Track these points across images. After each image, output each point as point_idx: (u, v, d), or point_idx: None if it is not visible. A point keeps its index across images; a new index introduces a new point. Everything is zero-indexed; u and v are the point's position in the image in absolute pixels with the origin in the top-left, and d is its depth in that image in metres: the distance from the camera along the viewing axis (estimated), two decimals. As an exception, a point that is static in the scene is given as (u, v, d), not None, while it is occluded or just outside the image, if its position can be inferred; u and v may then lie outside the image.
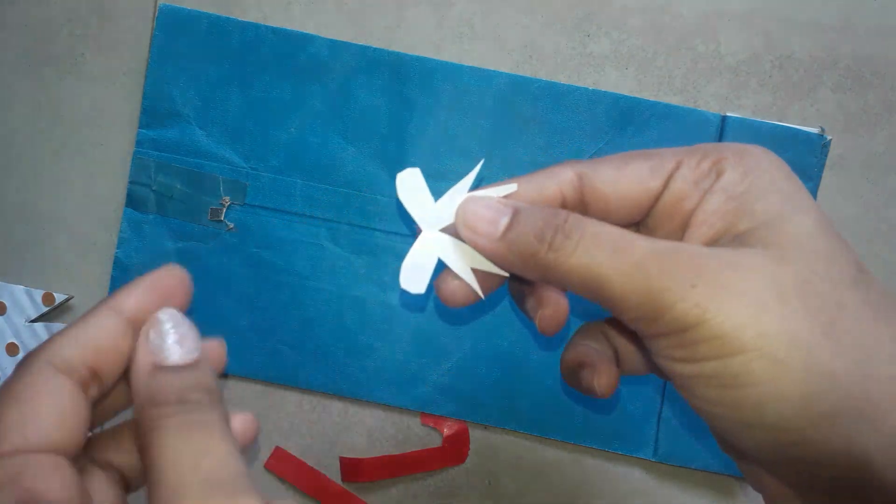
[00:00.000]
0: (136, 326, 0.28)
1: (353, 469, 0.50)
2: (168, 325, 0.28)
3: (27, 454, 0.24)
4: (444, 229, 0.34)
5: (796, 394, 0.26)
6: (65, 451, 0.25)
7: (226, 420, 0.26)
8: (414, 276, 0.34)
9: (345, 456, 0.51)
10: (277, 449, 0.51)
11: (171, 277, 0.30)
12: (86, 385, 0.26)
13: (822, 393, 0.26)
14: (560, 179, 0.33)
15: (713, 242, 0.30)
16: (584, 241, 0.29)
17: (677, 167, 0.31)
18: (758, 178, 0.29)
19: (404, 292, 0.38)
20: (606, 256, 0.28)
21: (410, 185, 0.34)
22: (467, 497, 0.51)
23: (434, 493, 0.51)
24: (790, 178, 0.29)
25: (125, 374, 0.28)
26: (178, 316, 0.28)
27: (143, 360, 0.27)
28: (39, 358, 0.26)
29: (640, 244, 0.28)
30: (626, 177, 0.32)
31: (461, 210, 0.32)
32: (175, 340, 0.27)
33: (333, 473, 0.51)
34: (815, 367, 0.26)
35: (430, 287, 0.35)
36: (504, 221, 0.31)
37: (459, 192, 0.34)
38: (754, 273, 0.27)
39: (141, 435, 0.25)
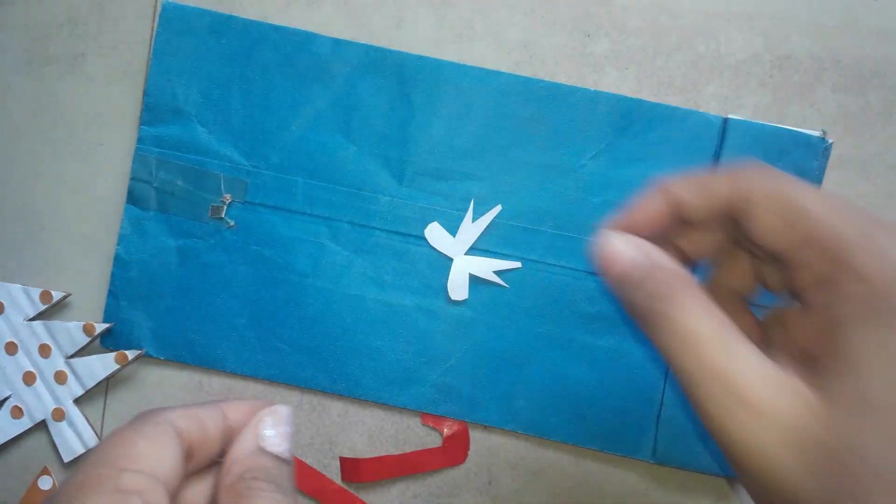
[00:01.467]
0: (230, 434, 0.31)
1: (352, 469, 0.50)
2: (284, 419, 0.31)
3: (152, 478, 0.27)
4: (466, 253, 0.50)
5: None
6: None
7: None
8: (457, 288, 0.50)
9: (345, 456, 0.50)
10: None
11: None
12: (186, 456, 0.29)
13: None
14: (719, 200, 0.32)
15: (797, 350, 0.29)
16: (684, 312, 0.28)
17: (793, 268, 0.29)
18: (840, 317, 0.26)
19: (456, 301, 0.50)
20: (706, 330, 0.28)
21: (435, 234, 0.50)
22: (467, 497, 0.50)
23: (434, 493, 0.50)
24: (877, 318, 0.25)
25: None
26: (292, 418, 0.32)
27: (252, 437, 0.30)
28: (165, 417, 0.29)
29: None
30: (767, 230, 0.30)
31: (607, 254, 0.32)
32: (283, 435, 0.31)
33: (333, 473, 0.51)
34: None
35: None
36: (632, 274, 0.31)
37: (466, 228, 0.49)
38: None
39: (234, 496, 0.28)
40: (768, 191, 0.29)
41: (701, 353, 0.27)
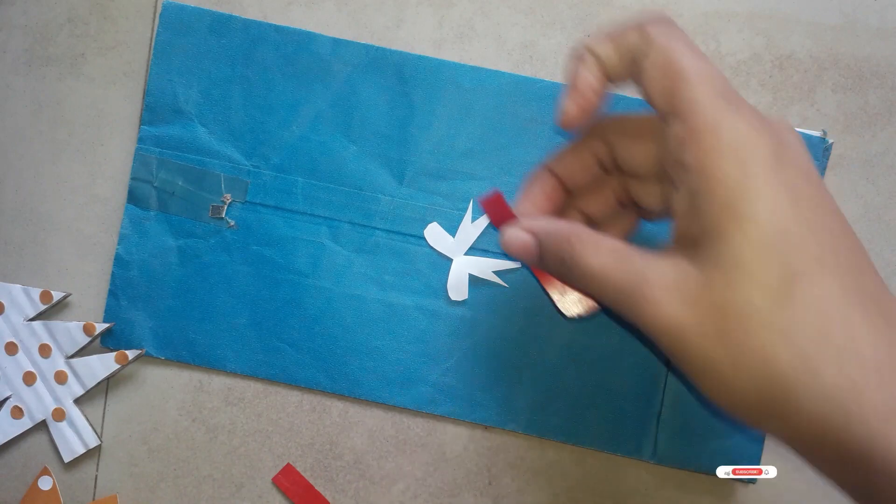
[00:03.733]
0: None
1: None
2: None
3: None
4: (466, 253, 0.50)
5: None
6: None
7: None
8: (457, 289, 0.50)
9: (345, 456, 0.50)
10: (288, 466, 0.51)
11: None
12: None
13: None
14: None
15: (681, 239, 0.33)
16: (584, 256, 0.35)
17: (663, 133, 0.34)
18: (709, 167, 0.31)
19: (455, 302, 0.50)
20: (606, 260, 0.34)
21: (435, 234, 0.50)
22: (467, 497, 0.50)
23: (434, 493, 0.50)
24: (744, 164, 0.30)
25: None
26: None
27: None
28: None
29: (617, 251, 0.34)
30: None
31: (506, 246, 0.39)
32: None
33: (334, 474, 0.51)
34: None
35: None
36: (535, 251, 0.38)
37: (465, 228, 0.49)
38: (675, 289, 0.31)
39: None
40: (660, 48, 0.33)
41: (606, 279, 0.34)
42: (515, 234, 0.39)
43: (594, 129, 0.39)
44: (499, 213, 0.43)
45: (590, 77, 0.36)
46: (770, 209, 0.29)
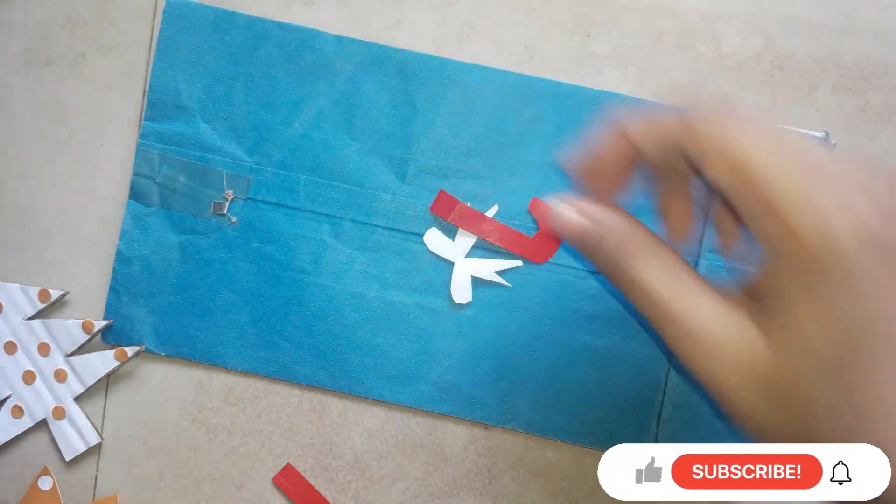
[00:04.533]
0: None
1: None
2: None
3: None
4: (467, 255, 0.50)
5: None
6: None
7: None
8: (460, 291, 0.50)
9: (344, 457, 0.50)
10: (288, 466, 0.51)
11: None
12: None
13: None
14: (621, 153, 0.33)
15: (749, 285, 0.30)
16: (636, 268, 0.31)
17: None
18: (790, 252, 0.27)
19: (459, 304, 0.50)
20: (658, 276, 0.31)
21: (434, 239, 0.50)
22: (467, 497, 0.50)
23: (434, 493, 0.50)
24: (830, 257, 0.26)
25: None
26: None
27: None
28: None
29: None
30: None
31: (556, 222, 0.34)
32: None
33: (334, 474, 0.51)
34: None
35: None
36: (592, 239, 0.33)
37: (464, 233, 0.49)
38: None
39: None
40: (717, 139, 0.29)
41: (658, 302, 0.30)
42: (570, 214, 0.34)
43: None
44: (448, 205, 0.49)
45: (611, 159, 0.33)
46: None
